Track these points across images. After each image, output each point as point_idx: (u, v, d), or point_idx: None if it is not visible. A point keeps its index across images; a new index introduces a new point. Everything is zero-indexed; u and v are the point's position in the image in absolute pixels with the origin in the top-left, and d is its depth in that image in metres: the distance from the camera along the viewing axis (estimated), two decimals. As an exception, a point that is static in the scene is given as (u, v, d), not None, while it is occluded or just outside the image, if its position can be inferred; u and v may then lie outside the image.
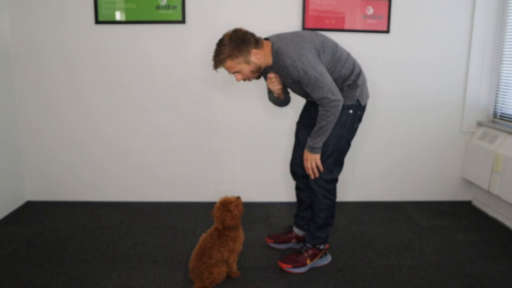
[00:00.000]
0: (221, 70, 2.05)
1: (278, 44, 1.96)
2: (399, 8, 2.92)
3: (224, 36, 1.96)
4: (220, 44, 1.95)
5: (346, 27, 2.92)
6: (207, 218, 2.75)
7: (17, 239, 2.48)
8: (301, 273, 2.14)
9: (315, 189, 2.12)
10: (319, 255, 2.20)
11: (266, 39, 2.04)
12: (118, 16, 2.85)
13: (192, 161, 3.08)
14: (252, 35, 1.97)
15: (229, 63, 1.95)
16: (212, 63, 1.98)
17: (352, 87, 2.06)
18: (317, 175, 2.08)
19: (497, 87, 3.02)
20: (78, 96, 2.97)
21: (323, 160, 2.06)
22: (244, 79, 2.04)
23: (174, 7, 2.84)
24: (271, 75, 2.06)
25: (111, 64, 2.93)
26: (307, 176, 2.14)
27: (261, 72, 2.06)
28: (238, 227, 2.04)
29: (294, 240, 2.42)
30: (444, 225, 2.79)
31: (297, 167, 2.32)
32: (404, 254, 2.37)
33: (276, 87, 2.09)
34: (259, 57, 1.97)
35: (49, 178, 3.08)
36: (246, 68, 1.98)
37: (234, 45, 1.91)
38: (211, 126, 3.03)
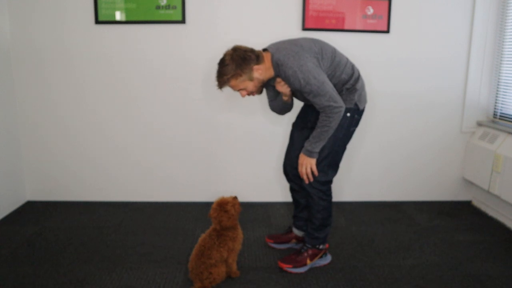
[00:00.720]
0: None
1: (278, 56, 1.96)
2: (399, 8, 2.92)
3: (225, 56, 1.98)
4: (222, 64, 1.97)
5: (346, 27, 2.91)
6: (207, 218, 2.74)
7: (17, 239, 2.48)
8: (301, 273, 2.15)
9: (310, 191, 2.12)
10: (319, 255, 2.20)
11: (265, 49, 2.05)
12: (118, 16, 2.85)
13: (192, 161, 3.08)
14: (252, 51, 1.98)
15: (233, 82, 1.98)
16: (216, 83, 2.01)
17: (350, 91, 2.06)
18: (311, 179, 2.08)
19: (497, 87, 3.02)
20: (78, 96, 2.97)
21: (318, 162, 2.06)
22: (249, 94, 2.07)
23: (174, 7, 2.84)
24: (280, 79, 2.06)
25: (111, 64, 2.93)
26: (300, 177, 2.14)
27: (263, 86, 2.08)
28: (236, 227, 2.04)
29: (294, 240, 2.42)
30: (444, 225, 2.79)
31: (290, 168, 2.32)
32: (404, 254, 2.37)
33: (287, 89, 2.08)
34: (261, 72, 1.99)
35: (49, 178, 3.08)
36: (250, 85, 2.01)
37: (237, 64, 1.94)
38: (211, 126, 3.03)
